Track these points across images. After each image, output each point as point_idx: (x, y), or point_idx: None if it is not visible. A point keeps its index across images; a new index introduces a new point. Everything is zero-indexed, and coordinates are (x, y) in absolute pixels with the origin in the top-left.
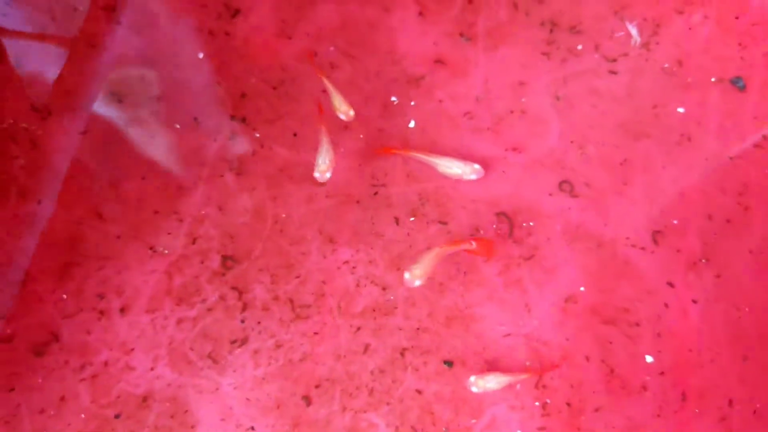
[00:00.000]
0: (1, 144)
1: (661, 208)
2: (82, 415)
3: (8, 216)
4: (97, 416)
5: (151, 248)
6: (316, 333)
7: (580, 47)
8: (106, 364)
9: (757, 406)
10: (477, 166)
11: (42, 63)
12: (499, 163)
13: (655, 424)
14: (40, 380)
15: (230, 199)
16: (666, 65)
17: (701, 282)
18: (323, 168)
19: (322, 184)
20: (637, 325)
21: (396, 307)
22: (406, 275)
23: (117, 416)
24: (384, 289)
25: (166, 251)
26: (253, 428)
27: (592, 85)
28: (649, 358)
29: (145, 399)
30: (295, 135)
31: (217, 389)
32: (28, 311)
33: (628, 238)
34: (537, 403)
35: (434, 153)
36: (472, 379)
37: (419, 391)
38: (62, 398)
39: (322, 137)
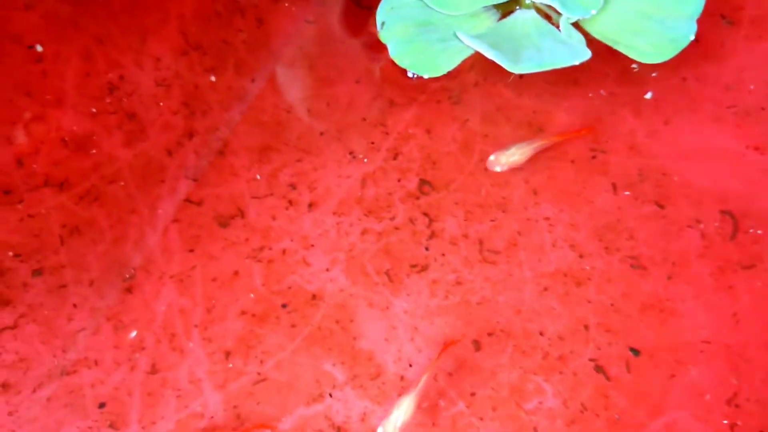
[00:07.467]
0: (229, 15)
1: None
2: (252, 295)
3: (222, 86)
4: (266, 300)
5: (350, 153)
6: (499, 281)
7: None
8: (284, 252)
9: None
10: None
11: None
12: (735, 158)
13: None
14: (218, 250)
15: (441, 125)
16: None
17: None
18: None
19: (538, 132)
20: None
21: (590, 279)
22: (491, 157)
23: (284, 306)
24: (581, 257)
25: (366, 160)
26: (411, 364)
27: None
28: None
29: (314, 297)
30: (521, 77)
31: (388, 308)
32: (220, 182)
33: None
34: (726, 422)
35: None
36: (492, 158)
37: (598, 370)
38: (236, 273)
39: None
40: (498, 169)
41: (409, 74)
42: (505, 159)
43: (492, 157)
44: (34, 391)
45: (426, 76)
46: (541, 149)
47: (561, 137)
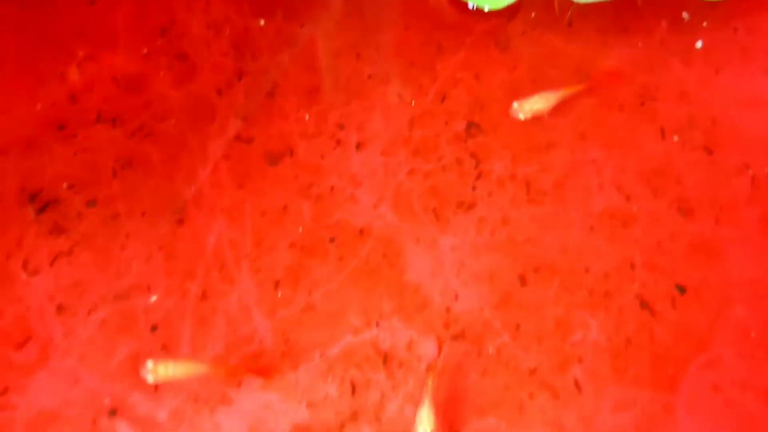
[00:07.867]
0: None
1: None
2: (300, 229)
3: (271, 30)
4: (314, 234)
5: (399, 96)
6: (546, 221)
7: None
8: (332, 189)
9: None
10: None
11: None
12: None
13: None
14: (268, 186)
15: (489, 71)
16: None
17: None
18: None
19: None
20: None
21: (636, 220)
22: (515, 104)
23: (332, 239)
24: (628, 199)
25: (413, 103)
26: (457, 297)
27: None
28: None
29: (361, 231)
30: (570, 25)
31: (435, 244)
32: (270, 121)
33: None
34: None
35: None
36: (516, 105)
37: (643, 306)
38: (285, 207)
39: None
40: (521, 116)
41: (470, 6)
42: (529, 107)
43: (515, 105)
44: (88, 313)
45: (487, 8)
46: (569, 96)
47: (587, 85)
